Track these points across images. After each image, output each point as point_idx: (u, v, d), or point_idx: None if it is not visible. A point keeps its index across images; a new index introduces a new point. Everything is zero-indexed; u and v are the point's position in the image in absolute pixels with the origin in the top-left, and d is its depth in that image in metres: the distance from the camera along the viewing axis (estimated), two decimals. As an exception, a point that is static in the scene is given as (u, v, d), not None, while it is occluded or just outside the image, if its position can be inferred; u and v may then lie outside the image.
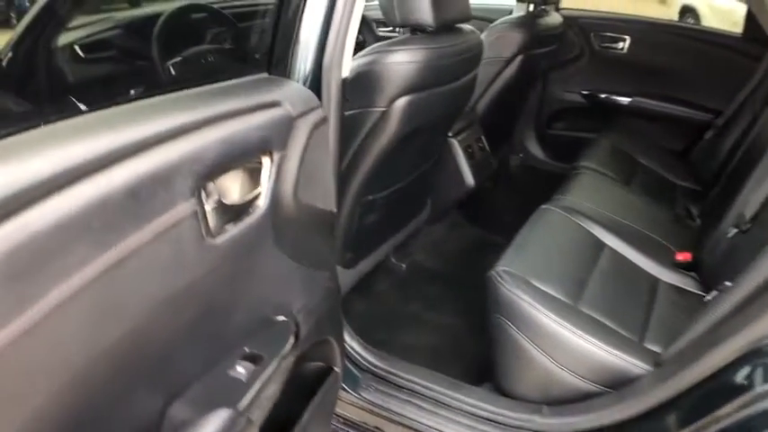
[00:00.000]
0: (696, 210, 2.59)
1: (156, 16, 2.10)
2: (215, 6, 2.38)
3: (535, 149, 3.65)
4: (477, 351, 2.17)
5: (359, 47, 1.62)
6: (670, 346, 1.56)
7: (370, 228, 2.15)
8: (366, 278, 2.35)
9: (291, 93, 1.26)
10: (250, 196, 1.09)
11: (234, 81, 1.22)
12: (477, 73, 2.20)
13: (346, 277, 2.14)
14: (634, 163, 2.96)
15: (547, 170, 3.61)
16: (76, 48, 2.00)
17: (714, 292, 1.67)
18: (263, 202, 1.12)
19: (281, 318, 1.26)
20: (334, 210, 1.46)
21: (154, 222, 0.86)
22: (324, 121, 1.32)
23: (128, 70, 2.16)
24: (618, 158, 2.93)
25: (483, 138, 2.77)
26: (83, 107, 1.09)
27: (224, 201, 1.01)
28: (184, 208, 0.91)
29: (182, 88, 1.07)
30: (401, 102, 1.79)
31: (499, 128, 3.16)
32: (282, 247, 1.21)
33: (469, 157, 2.59)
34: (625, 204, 2.48)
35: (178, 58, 2.03)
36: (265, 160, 1.12)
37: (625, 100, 3.42)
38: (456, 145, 2.54)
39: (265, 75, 1.35)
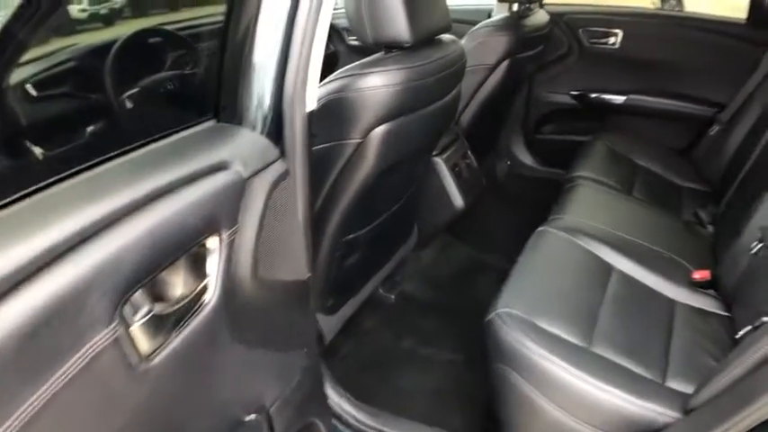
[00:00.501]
0: (706, 215, 2.41)
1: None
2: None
3: (523, 156, 3.45)
4: (481, 394, 1.99)
5: (329, 60, 1.41)
6: (698, 387, 1.40)
7: (353, 268, 1.96)
8: (352, 314, 2.16)
9: (243, 146, 1.05)
10: (194, 292, 0.88)
11: (169, 140, 1.00)
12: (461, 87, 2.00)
13: (330, 324, 1.95)
14: (633, 166, 2.78)
15: (537, 177, 3.42)
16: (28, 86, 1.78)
17: (747, 327, 1.50)
18: (211, 296, 0.91)
19: (251, 417, 1.05)
20: (307, 275, 1.24)
21: (67, 362, 0.66)
22: (285, 175, 1.11)
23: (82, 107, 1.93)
24: (615, 163, 2.75)
25: (470, 153, 2.57)
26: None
27: (158, 309, 0.79)
28: (103, 336, 0.70)
29: (102, 158, 0.85)
30: (379, 131, 1.59)
31: (486, 138, 2.97)
32: (243, 339, 1.00)
33: (457, 176, 2.40)
34: (630, 217, 2.29)
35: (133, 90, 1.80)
36: (212, 242, 0.91)
37: (619, 98, 3.22)
38: (442, 165, 2.34)
39: (212, 123, 1.13)
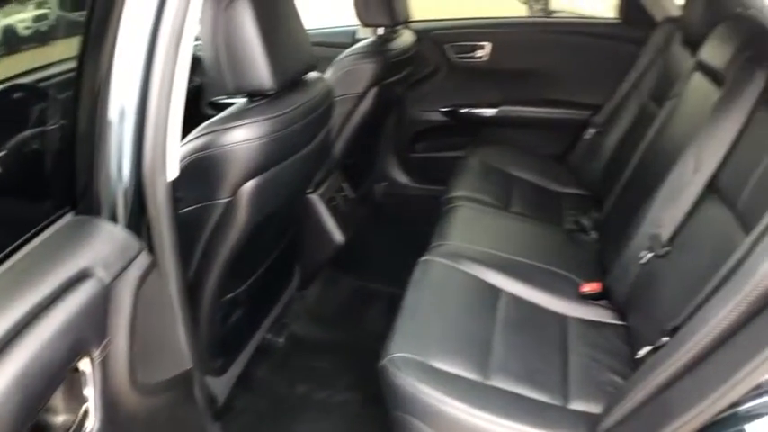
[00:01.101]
0: (588, 221, 2.45)
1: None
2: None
3: (399, 176, 3.39)
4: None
5: (194, 94, 1.31)
6: (605, 410, 1.41)
7: (238, 324, 1.86)
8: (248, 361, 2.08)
9: (103, 245, 0.96)
10: (75, 422, 0.79)
11: (22, 252, 0.89)
12: (330, 127, 1.94)
13: (222, 384, 1.85)
14: (509, 178, 2.80)
15: (415, 195, 3.37)
16: None
17: (646, 348, 1.50)
18: (93, 423, 0.82)
19: None
20: (190, 365, 1.15)
21: None
22: (153, 266, 1.02)
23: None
24: (491, 177, 2.75)
25: (344, 185, 2.51)
26: None
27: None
28: None
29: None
30: (248, 187, 1.51)
31: (361, 164, 2.92)
32: None
33: (334, 211, 2.34)
34: (512, 235, 2.30)
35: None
36: (84, 364, 0.81)
37: (490, 111, 3.21)
38: (317, 201, 2.28)
39: (69, 216, 1.02)
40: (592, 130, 2.98)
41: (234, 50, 1.47)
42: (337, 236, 2.31)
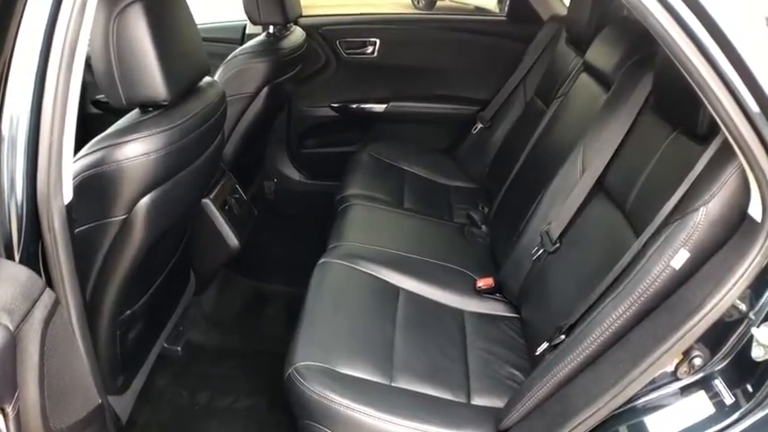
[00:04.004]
0: (478, 215, 2.51)
1: None
2: None
3: (290, 171, 3.36)
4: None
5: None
6: (507, 405, 1.48)
7: (137, 339, 1.81)
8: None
9: (3, 287, 0.89)
10: None
11: None
12: (224, 131, 1.91)
13: (124, 401, 1.80)
14: (401, 173, 2.84)
15: (307, 191, 3.36)
16: None
17: (544, 345, 1.56)
18: None
19: None
20: (99, 401, 1.11)
21: None
22: (56, 305, 0.97)
23: None
24: (383, 173, 2.79)
25: (238, 186, 2.47)
26: None
27: None
28: None
29: None
30: (144, 203, 1.47)
31: (252, 164, 2.88)
32: None
33: (228, 215, 2.29)
34: (407, 232, 2.34)
35: None
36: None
37: (380, 107, 3.24)
38: (211, 206, 2.21)
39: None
40: (479, 125, 3.06)
41: (126, 60, 1.42)
42: (232, 240, 2.27)
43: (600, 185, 1.73)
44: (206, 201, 2.19)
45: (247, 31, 3.13)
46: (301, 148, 3.36)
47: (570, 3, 2.52)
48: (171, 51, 1.48)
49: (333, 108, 3.26)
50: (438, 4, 9.17)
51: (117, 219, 1.45)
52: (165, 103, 1.50)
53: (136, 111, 1.54)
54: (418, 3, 9.63)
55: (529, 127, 2.49)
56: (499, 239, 2.29)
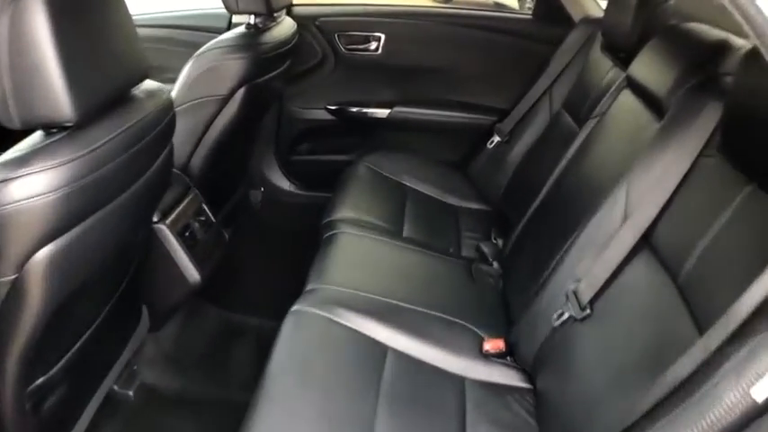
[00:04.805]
0: (489, 248, 2.16)
1: None
2: None
3: (279, 180, 2.98)
4: None
5: None
6: None
7: (60, 404, 1.45)
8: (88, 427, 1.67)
9: None
10: None
11: None
12: (172, 147, 1.53)
13: None
14: (402, 191, 2.49)
15: (297, 203, 3.00)
16: None
17: None
18: None
19: None
20: None
21: None
22: None
23: None
24: (381, 191, 2.45)
25: (204, 206, 2.09)
26: None
27: None
28: None
29: None
30: (39, 258, 1.10)
31: (227, 179, 2.51)
32: None
33: (189, 242, 1.91)
34: (402, 272, 1.97)
35: None
36: None
37: (383, 112, 2.86)
38: (166, 233, 1.84)
39: None
40: (496, 139, 2.70)
41: (21, 66, 1.05)
42: (193, 275, 1.90)
43: (646, 241, 1.34)
44: (160, 227, 1.83)
45: (234, 20, 2.75)
46: (292, 153, 2.99)
47: (608, 4, 2.16)
48: (84, 54, 1.11)
49: (329, 110, 2.89)
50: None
51: (3, 281, 1.10)
52: (70, 124, 1.12)
53: (38, 132, 1.16)
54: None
55: (555, 146, 2.14)
56: (514, 286, 1.92)
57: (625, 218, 1.40)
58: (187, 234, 1.92)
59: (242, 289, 2.49)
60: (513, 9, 3.26)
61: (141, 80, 1.33)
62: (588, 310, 1.39)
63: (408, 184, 2.53)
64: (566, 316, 1.45)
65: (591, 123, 1.99)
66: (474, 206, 2.54)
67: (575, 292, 1.44)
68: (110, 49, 1.21)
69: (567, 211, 1.73)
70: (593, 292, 1.40)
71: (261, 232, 2.83)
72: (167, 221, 1.84)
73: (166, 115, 1.40)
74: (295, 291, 1.75)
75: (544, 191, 2.03)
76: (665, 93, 1.54)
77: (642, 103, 1.72)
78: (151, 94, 1.38)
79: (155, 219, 1.82)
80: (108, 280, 1.54)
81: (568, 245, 1.59)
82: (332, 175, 2.64)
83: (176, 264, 1.87)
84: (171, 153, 1.52)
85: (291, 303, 1.66)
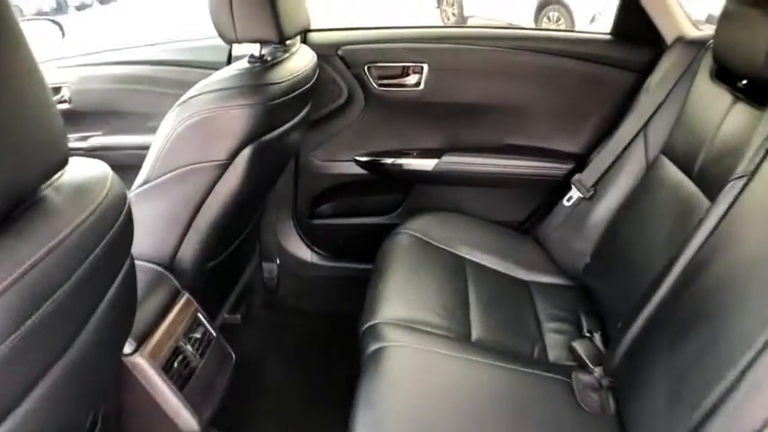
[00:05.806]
0: (584, 348, 1.61)
1: None
2: None
3: (298, 249, 2.48)
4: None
5: None
6: None
7: None
8: None
9: None
10: None
11: None
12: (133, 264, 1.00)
13: None
14: (459, 264, 1.95)
15: (322, 276, 2.49)
16: None
17: None
18: None
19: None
20: None
21: None
22: None
23: None
24: (435, 272, 1.89)
25: (200, 314, 1.58)
26: None
27: None
28: None
29: None
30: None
31: (234, 257, 2.00)
32: None
33: (180, 381, 1.39)
34: (484, 407, 1.39)
35: None
36: None
37: (427, 163, 2.32)
38: (146, 368, 1.32)
39: None
40: (575, 194, 2.13)
41: None
42: (189, 422, 1.36)
43: None
44: (137, 359, 1.30)
45: (234, 51, 2.24)
46: (314, 217, 2.48)
47: (721, 19, 1.63)
48: None
49: (358, 163, 2.37)
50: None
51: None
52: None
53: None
54: (448, 19, 8.76)
55: (660, 205, 1.69)
56: (640, 415, 1.30)
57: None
58: (176, 365, 1.41)
59: (251, 408, 1.94)
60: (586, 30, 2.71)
61: (58, 169, 0.76)
62: None
63: (467, 255, 2.00)
64: None
65: (733, 188, 1.39)
66: (548, 280, 2.01)
67: None
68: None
69: (722, 316, 1.14)
70: None
71: (278, 323, 2.34)
72: (145, 351, 1.33)
73: (107, 229, 0.83)
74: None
75: (671, 278, 1.43)
76: None
77: None
78: (78, 191, 0.80)
79: (127, 350, 1.31)
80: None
81: (737, 377, 1.00)
82: (363, 241, 2.20)
83: (162, 410, 1.37)
84: (131, 270, 0.96)
85: None
